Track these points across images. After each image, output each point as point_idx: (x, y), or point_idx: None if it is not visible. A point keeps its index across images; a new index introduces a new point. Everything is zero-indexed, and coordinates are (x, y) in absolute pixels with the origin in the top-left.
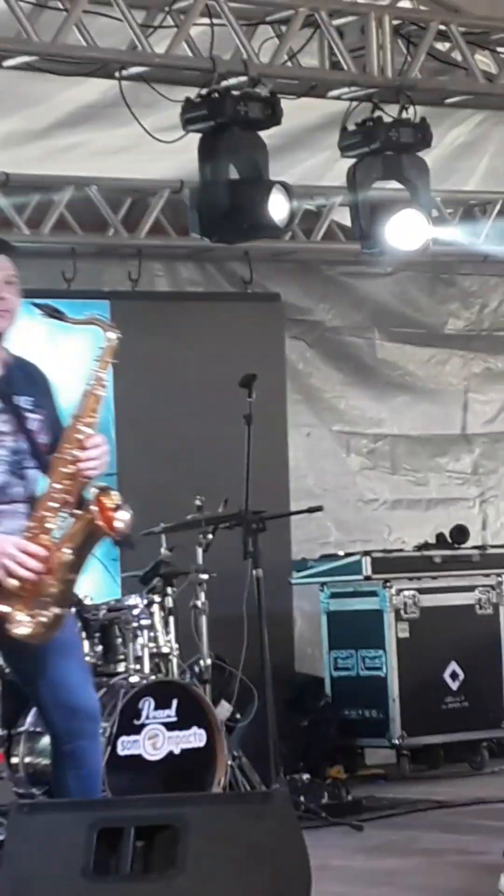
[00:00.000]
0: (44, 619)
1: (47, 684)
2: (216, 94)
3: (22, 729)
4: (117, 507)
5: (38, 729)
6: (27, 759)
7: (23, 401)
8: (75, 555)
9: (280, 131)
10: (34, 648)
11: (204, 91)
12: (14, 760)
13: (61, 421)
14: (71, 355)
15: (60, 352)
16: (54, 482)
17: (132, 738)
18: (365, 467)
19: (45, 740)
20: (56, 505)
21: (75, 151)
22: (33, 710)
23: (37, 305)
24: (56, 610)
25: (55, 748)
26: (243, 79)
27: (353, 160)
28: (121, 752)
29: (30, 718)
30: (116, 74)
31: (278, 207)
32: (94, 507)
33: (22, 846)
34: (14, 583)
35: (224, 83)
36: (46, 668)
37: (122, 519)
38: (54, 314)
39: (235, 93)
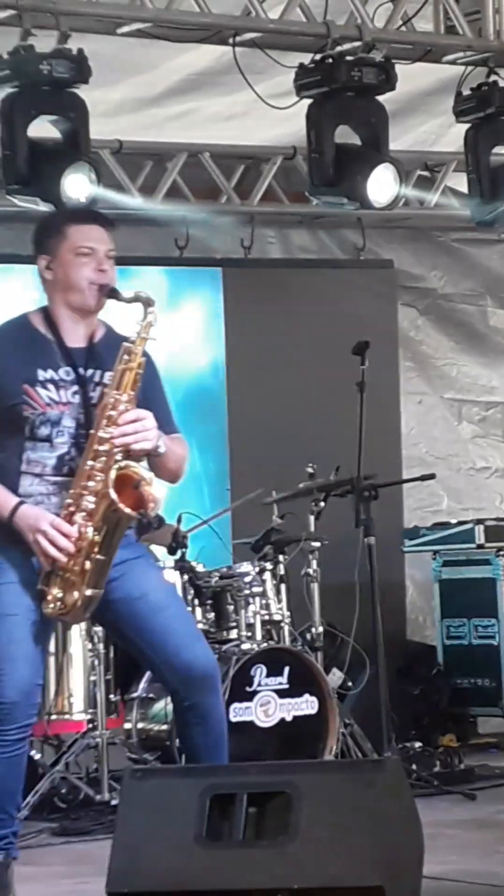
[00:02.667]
0: (76, 600)
1: (153, 646)
2: (330, 60)
3: (135, 695)
4: (138, 485)
5: (151, 695)
6: (140, 725)
7: (98, 375)
8: (101, 535)
9: (394, 97)
10: (129, 613)
11: (318, 57)
12: (127, 726)
13: (156, 400)
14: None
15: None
16: (88, 459)
17: (244, 704)
18: (476, 435)
19: (158, 706)
20: (92, 483)
21: (188, 118)
22: (146, 676)
23: (97, 285)
24: (87, 591)
25: (175, 706)
26: (357, 44)
27: (467, 125)
28: (233, 718)
29: (143, 684)
30: (230, 41)
31: (381, 186)
32: (111, 489)
33: (135, 811)
34: (46, 561)
35: (338, 49)
36: (147, 631)
37: (151, 496)
38: (112, 294)
39: (349, 58)
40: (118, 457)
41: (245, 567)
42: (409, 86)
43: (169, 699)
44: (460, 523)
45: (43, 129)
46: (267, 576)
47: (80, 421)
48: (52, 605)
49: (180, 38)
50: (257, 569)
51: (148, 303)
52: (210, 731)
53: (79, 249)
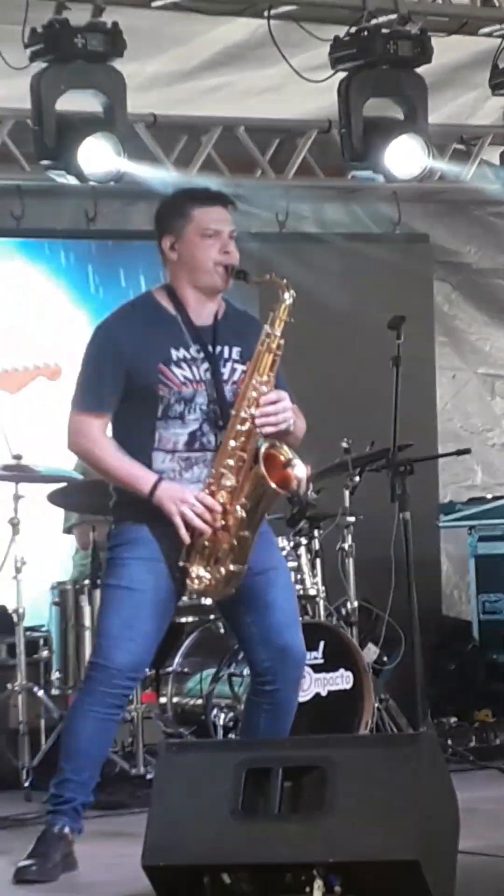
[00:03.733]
0: (219, 576)
1: (258, 620)
2: (365, 33)
3: (170, 669)
4: (288, 464)
5: (186, 669)
6: (175, 700)
7: (227, 351)
8: (248, 512)
9: (429, 70)
10: (247, 584)
11: (353, 29)
12: (162, 700)
13: (279, 376)
14: None
15: None
16: (230, 439)
17: None
18: None
19: (193, 680)
20: (232, 462)
21: (223, 92)
22: (181, 650)
23: (229, 267)
24: (232, 567)
25: (254, 688)
26: (393, 16)
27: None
28: None
29: (178, 659)
30: (265, 13)
31: (405, 158)
32: (261, 465)
33: (171, 785)
34: (187, 536)
35: (374, 21)
36: (260, 604)
37: (297, 476)
38: (240, 275)
39: (385, 31)
40: (259, 436)
41: (280, 542)
42: (445, 58)
43: (204, 673)
44: (496, 498)
45: (79, 102)
46: (302, 551)
47: (213, 397)
48: (196, 582)
49: (215, 10)
50: (292, 544)
51: (286, 287)
52: (277, 719)
53: (205, 231)
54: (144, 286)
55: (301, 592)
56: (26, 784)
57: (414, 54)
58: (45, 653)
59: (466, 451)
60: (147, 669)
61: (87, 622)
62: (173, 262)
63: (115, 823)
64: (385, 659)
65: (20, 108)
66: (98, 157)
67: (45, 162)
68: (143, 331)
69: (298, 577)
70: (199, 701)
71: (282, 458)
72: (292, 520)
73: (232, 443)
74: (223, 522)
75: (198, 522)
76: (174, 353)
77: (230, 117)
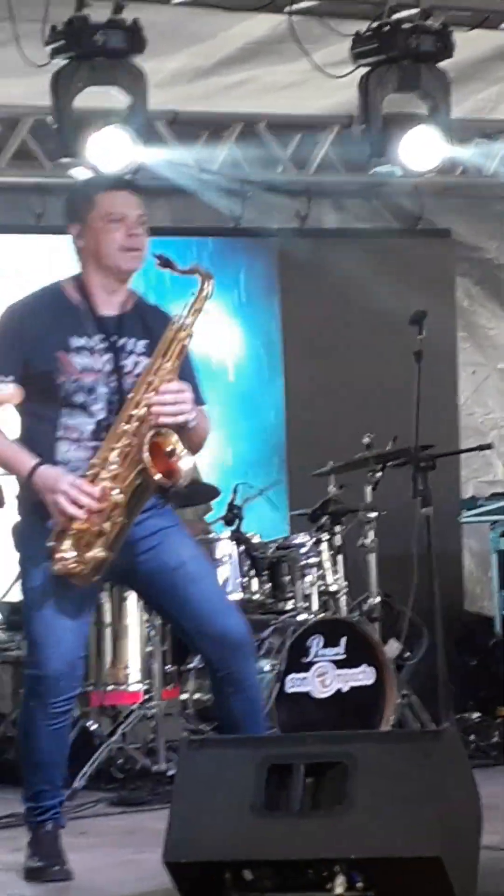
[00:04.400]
0: (88, 560)
1: (186, 615)
2: (387, 28)
3: (191, 665)
4: (172, 453)
5: None
6: (196, 696)
7: (131, 343)
8: (127, 497)
9: (451, 64)
10: (166, 583)
11: (374, 24)
12: (184, 697)
13: (187, 370)
14: None
15: None
16: (122, 422)
17: (301, 675)
18: None
19: None
20: (120, 446)
21: (243, 88)
22: None
23: (154, 255)
24: (101, 553)
25: (212, 675)
26: (414, 11)
27: None
28: (289, 689)
29: (198, 655)
30: (286, 9)
31: (421, 150)
32: (146, 454)
33: (192, 781)
34: (62, 519)
35: (395, 16)
36: (182, 600)
37: (182, 468)
38: (167, 264)
39: (406, 26)
40: (152, 423)
41: (302, 538)
42: (467, 53)
43: None
44: None
45: (100, 99)
46: (323, 546)
47: (114, 388)
48: (59, 564)
49: (236, 6)
50: (314, 539)
51: (207, 276)
52: (247, 699)
53: (109, 216)
54: (155, 282)
55: (323, 588)
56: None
57: (436, 49)
58: None
59: (489, 447)
60: (82, 659)
61: (108, 619)
62: (81, 249)
63: (137, 820)
64: (407, 654)
65: (41, 104)
66: (115, 148)
67: (64, 160)
68: (45, 319)
69: (320, 572)
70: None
71: (169, 447)
72: (314, 516)
73: (123, 426)
74: (99, 507)
75: (71, 509)
76: (73, 342)
77: (251, 113)
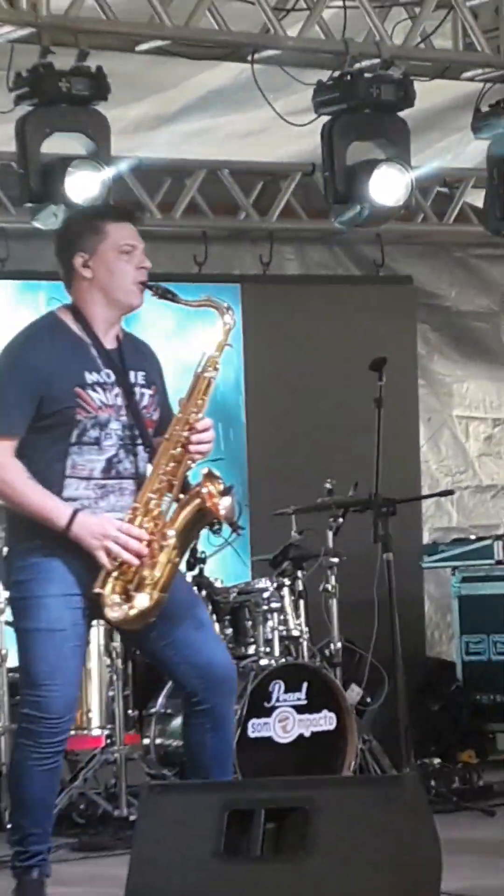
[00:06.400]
0: (142, 604)
1: (175, 644)
2: (348, 77)
3: (153, 710)
4: (223, 493)
5: (169, 710)
6: (158, 741)
7: (133, 375)
8: (179, 539)
9: (412, 113)
10: (160, 615)
11: (336, 74)
12: (145, 742)
13: (169, 401)
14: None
15: (186, 342)
16: (162, 463)
17: (262, 720)
18: (483, 453)
19: (177, 722)
20: (162, 487)
21: (207, 135)
22: (164, 692)
23: (148, 287)
24: (156, 594)
25: (189, 710)
26: (376, 61)
27: (486, 142)
28: (251, 734)
29: (161, 700)
30: (248, 58)
31: (387, 185)
32: (204, 490)
33: (153, 826)
34: (112, 564)
35: (357, 66)
36: (174, 630)
37: (226, 505)
38: (166, 295)
39: (368, 75)
40: (191, 462)
41: (263, 583)
42: (428, 102)
43: None
44: (479, 539)
45: (64, 146)
46: (285, 591)
47: (125, 423)
48: (117, 611)
49: (199, 55)
50: (276, 584)
51: (221, 308)
52: (222, 739)
53: (121, 247)
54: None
55: (284, 633)
56: (9, 826)
57: (397, 98)
58: None
59: (450, 493)
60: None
61: None
62: (86, 280)
63: (98, 865)
64: (369, 700)
65: (5, 151)
66: (83, 186)
67: (29, 205)
68: (57, 354)
69: (281, 617)
70: (183, 742)
71: (216, 487)
72: (276, 561)
73: (164, 467)
74: (150, 550)
75: (126, 556)
76: (88, 377)
77: (214, 160)
